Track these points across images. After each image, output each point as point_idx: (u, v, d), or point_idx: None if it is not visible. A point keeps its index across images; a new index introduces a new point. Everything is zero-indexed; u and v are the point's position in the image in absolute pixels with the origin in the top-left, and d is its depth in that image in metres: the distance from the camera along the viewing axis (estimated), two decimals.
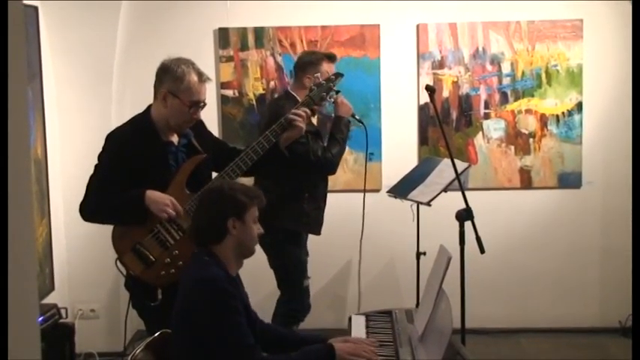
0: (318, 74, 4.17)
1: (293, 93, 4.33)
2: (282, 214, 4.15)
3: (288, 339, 3.02)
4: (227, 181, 2.96)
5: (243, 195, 2.79)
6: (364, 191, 4.59)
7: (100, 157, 3.32)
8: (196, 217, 2.88)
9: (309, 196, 4.27)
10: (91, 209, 3.27)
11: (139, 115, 3.37)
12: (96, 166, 3.31)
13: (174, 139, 3.35)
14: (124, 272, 3.30)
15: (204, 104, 3.33)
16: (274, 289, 4.45)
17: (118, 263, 3.27)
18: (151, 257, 3.22)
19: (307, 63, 4.33)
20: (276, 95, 5.08)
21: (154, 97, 3.32)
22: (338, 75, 4.06)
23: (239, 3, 5.38)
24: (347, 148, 5.33)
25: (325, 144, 4.26)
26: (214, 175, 3.43)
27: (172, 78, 3.23)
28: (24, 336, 1.25)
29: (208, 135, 3.58)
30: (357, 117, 4.36)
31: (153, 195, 3.17)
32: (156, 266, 3.22)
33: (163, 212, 3.16)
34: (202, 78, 3.28)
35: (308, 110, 3.54)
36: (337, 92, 4.16)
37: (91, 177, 3.30)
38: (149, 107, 3.36)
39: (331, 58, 4.39)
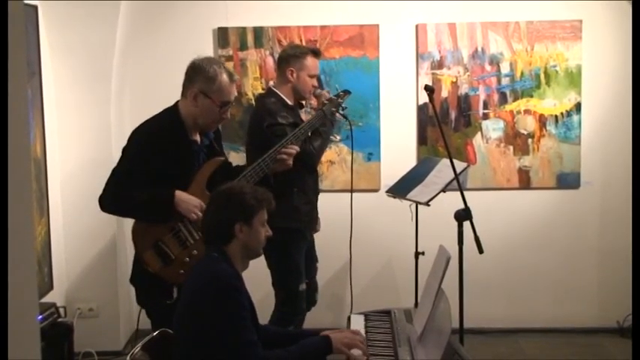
0: (326, 91, 4.20)
1: (276, 90, 4.26)
2: (273, 212, 4.13)
3: (284, 337, 3.04)
4: (238, 183, 2.96)
5: (252, 199, 2.79)
6: (351, 191, 4.59)
7: (125, 150, 3.32)
8: (205, 218, 2.89)
9: (298, 190, 4.23)
10: (113, 201, 3.26)
11: (168, 110, 3.37)
12: (120, 159, 3.31)
13: (198, 138, 3.38)
14: (151, 268, 3.27)
15: (232, 104, 3.38)
16: (271, 290, 4.44)
17: (140, 259, 3.27)
18: (171, 255, 3.24)
19: (291, 56, 4.26)
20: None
21: (182, 95, 3.34)
22: (346, 92, 4.13)
23: (238, 3, 5.39)
24: (346, 148, 5.38)
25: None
26: None
27: (205, 78, 3.26)
28: (24, 335, 1.25)
29: (221, 146, 3.62)
30: (342, 112, 4.31)
31: (183, 196, 3.22)
32: (175, 264, 3.25)
33: (192, 213, 3.20)
34: (233, 78, 3.33)
35: (297, 148, 3.58)
36: (344, 108, 4.20)
37: (115, 169, 3.30)
38: (176, 104, 3.36)
39: (316, 53, 4.34)
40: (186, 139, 3.32)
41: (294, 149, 3.55)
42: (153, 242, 3.24)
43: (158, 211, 3.23)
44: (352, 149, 4.65)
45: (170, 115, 3.34)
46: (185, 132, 3.31)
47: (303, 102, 4.32)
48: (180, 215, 3.23)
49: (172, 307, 3.14)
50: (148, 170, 3.20)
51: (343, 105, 4.17)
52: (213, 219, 2.82)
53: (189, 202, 3.22)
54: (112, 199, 3.26)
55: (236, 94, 3.43)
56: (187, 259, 3.25)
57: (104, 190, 3.28)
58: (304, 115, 4.46)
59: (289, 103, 4.24)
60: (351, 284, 4.67)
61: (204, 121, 3.32)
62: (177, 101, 3.38)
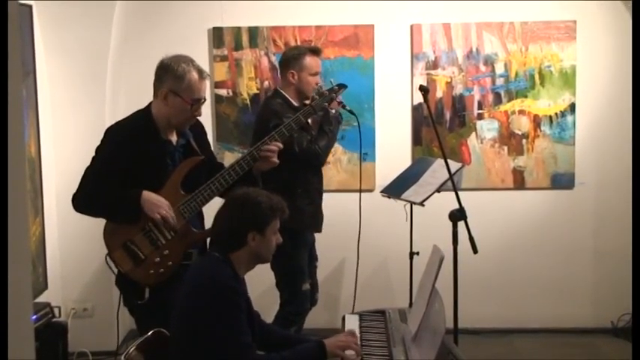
0: (321, 84, 4.17)
1: (282, 91, 4.32)
2: None
3: (287, 341, 3.04)
4: (252, 189, 2.92)
5: (267, 208, 2.78)
6: (360, 191, 4.59)
7: (97, 149, 3.31)
8: (218, 221, 2.86)
9: (302, 191, 4.23)
10: (84, 201, 3.25)
11: (140, 111, 3.36)
12: (93, 158, 3.30)
13: (174, 138, 3.36)
14: (114, 269, 3.30)
15: (204, 100, 3.35)
16: (272, 286, 4.45)
17: (108, 259, 3.26)
18: (141, 255, 3.22)
19: (290, 58, 4.32)
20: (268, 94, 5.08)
21: (154, 96, 3.32)
22: (341, 86, 4.07)
23: (233, 2, 5.39)
24: (341, 148, 5.39)
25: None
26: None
27: (173, 77, 3.23)
28: (18, 335, 1.25)
29: (206, 143, 3.59)
30: (347, 108, 4.28)
31: (149, 196, 3.18)
32: (145, 264, 3.22)
33: (155, 213, 3.16)
34: (202, 75, 3.29)
35: (280, 144, 3.50)
36: (340, 103, 4.15)
37: (87, 169, 3.28)
38: (150, 104, 3.35)
39: (315, 51, 4.37)
40: (158, 139, 3.29)
41: (277, 146, 3.47)
42: (122, 242, 3.22)
43: (125, 212, 3.20)
44: (360, 146, 4.57)
45: (142, 115, 3.33)
46: (157, 132, 3.29)
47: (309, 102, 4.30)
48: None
49: (152, 306, 3.16)
50: (120, 170, 3.19)
51: (339, 100, 4.13)
52: (226, 224, 2.81)
53: (154, 201, 3.17)
54: (84, 199, 3.25)
55: (207, 90, 3.39)
56: (158, 259, 3.22)
57: (77, 189, 3.27)
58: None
59: (295, 104, 4.26)
60: (356, 284, 4.67)
61: (177, 119, 3.29)
62: (151, 102, 3.36)
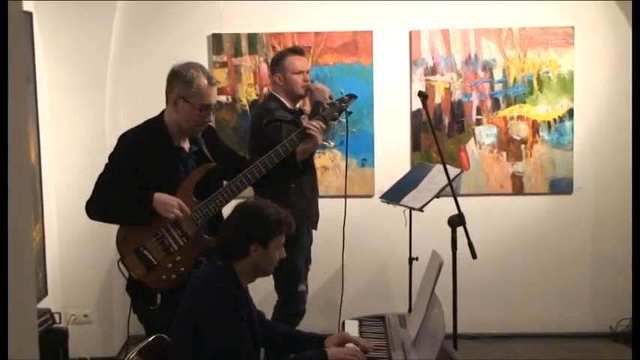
0: (331, 94, 4.18)
1: (275, 94, 4.38)
2: None
3: (289, 337, 3.08)
4: (262, 201, 2.91)
5: (273, 222, 2.79)
6: (345, 195, 4.59)
7: (110, 156, 3.34)
8: (223, 230, 2.88)
9: (295, 187, 4.26)
10: (97, 208, 3.27)
11: (153, 118, 3.38)
12: (106, 165, 3.32)
13: (186, 145, 3.37)
14: (126, 275, 3.30)
15: (215, 107, 3.38)
16: (272, 290, 4.46)
17: (121, 265, 3.27)
18: (154, 261, 3.23)
19: (274, 62, 4.43)
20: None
21: (166, 103, 3.35)
22: (351, 96, 3.98)
23: (232, 9, 5.41)
24: (340, 154, 5.40)
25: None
26: (224, 183, 3.43)
27: (182, 83, 3.25)
28: (22, 341, 1.26)
29: (221, 144, 3.60)
30: (334, 98, 3.95)
31: (160, 197, 3.19)
32: (157, 270, 3.23)
33: (170, 213, 3.17)
34: (212, 81, 3.31)
35: (323, 124, 3.54)
36: (350, 113, 4.08)
37: (100, 175, 3.30)
38: (163, 112, 3.37)
39: (296, 51, 4.44)
40: (171, 146, 3.31)
41: (320, 124, 3.52)
42: (134, 248, 3.23)
43: (137, 214, 3.22)
44: (347, 141, 4.46)
45: (155, 123, 3.35)
46: (169, 139, 3.31)
47: (304, 108, 4.30)
48: (164, 219, 3.21)
49: (163, 313, 3.16)
50: (134, 177, 3.21)
51: (348, 110, 4.08)
52: (231, 234, 2.82)
53: (167, 202, 3.18)
54: (98, 207, 3.26)
55: (217, 97, 3.41)
56: (170, 265, 3.24)
57: (91, 196, 3.28)
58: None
59: (289, 106, 4.33)
60: (342, 288, 4.67)
61: (188, 125, 3.31)
62: (164, 110, 3.39)
